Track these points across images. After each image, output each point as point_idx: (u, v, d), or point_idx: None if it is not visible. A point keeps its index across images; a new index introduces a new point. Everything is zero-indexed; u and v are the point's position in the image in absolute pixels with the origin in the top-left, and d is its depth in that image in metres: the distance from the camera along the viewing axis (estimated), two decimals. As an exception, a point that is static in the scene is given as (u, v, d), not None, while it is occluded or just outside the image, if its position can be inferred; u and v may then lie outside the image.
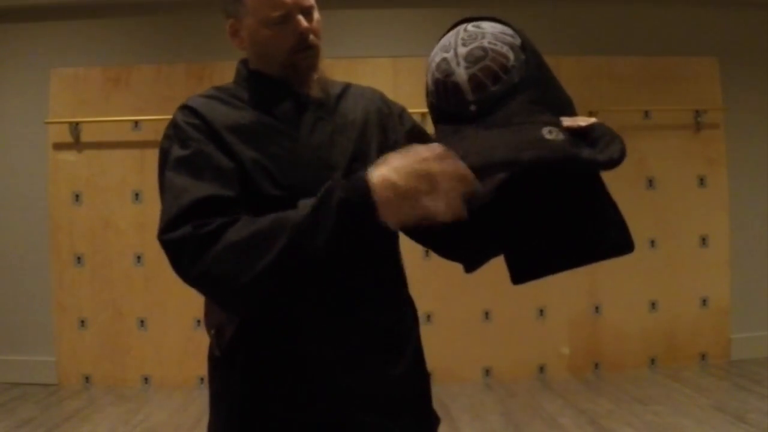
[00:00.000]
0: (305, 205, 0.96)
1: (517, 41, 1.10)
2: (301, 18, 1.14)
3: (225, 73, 4.23)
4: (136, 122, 4.07)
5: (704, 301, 4.24)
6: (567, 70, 4.14)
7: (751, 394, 3.56)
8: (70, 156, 4.11)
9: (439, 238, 1.18)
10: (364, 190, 0.90)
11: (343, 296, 1.09)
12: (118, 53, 4.15)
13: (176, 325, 4.07)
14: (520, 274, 1.17)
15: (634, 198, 4.18)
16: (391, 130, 1.26)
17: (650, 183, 4.22)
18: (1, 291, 4.16)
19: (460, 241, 1.18)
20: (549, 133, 0.98)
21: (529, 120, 1.01)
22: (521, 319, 4.08)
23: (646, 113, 4.22)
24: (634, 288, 4.18)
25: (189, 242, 0.99)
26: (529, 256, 1.16)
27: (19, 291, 4.13)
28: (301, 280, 0.95)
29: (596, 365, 4.17)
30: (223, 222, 0.98)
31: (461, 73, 1.06)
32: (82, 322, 4.10)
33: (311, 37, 1.17)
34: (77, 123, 4.06)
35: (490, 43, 1.07)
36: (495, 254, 1.19)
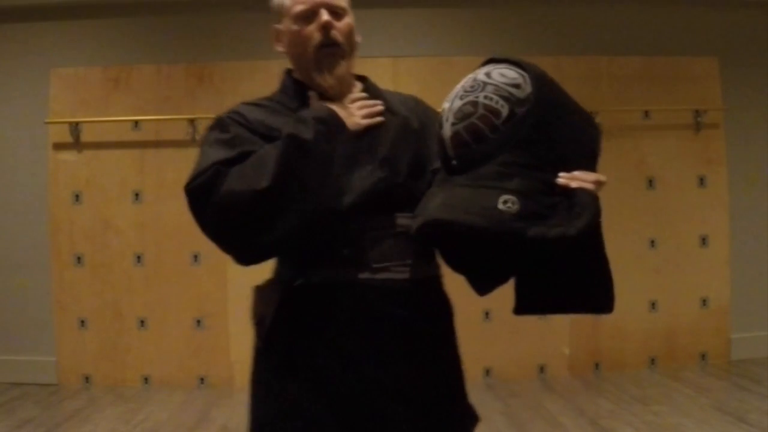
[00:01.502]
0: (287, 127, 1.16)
1: (524, 92, 1.10)
2: (323, 11, 1.22)
3: (225, 73, 4.27)
4: (136, 122, 4.07)
5: (704, 301, 4.24)
6: (567, 70, 4.14)
7: (751, 394, 3.56)
8: (70, 156, 4.11)
9: (465, 265, 1.25)
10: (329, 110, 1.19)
11: (377, 290, 1.18)
12: (118, 53, 4.15)
13: (176, 325, 4.07)
14: (521, 308, 1.24)
15: (634, 198, 4.18)
16: (430, 138, 1.28)
17: (650, 183, 4.21)
18: (1, 291, 4.16)
19: (480, 270, 1.24)
20: (504, 203, 1.03)
21: (495, 185, 1.05)
22: (521, 319, 4.05)
23: (646, 113, 4.21)
24: (634, 288, 4.17)
25: (207, 180, 1.11)
26: (532, 295, 1.22)
27: (19, 291, 4.13)
28: (302, 178, 1.10)
29: (596, 365, 4.16)
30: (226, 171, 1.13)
31: (447, 129, 1.12)
32: (82, 322, 4.10)
33: (333, 32, 1.23)
34: (77, 123, 4.05)
35: (486, 97, 1.09)
36: (503, 283, 1.24)
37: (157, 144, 4.09)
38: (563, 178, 1.07)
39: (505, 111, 1.08)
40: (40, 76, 4.11)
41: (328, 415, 1.17)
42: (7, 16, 4.13)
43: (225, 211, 1.11)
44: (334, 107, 1.22)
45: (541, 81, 1.13)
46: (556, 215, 1.05)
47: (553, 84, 1.15)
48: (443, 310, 1.32)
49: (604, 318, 4.15)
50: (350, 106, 1.24)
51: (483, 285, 1.24)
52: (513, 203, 1.03)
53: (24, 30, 4.16)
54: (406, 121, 1.30)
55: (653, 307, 4.21)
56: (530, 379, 4.04)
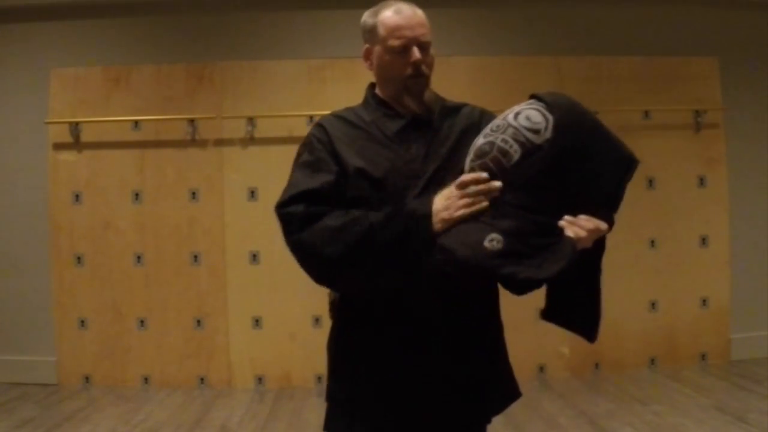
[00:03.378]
0: (383, 212, 1.29)
1: (541, 138, 1.20)
2: (416, 50, 1.39)
3: (225, 73, 4.27)
4: (136, 122, 4.07)
5: (704, 301, 4.24)
6: (567, 70, 4.15)
7: (751, 394, 3.56)
8: (70, 156, 4.11)
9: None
10: (427, 208, 1.26)
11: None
12: (118, 53, 4.15)
13: (176, 325, 4.07)
14: (545, 315, 1.39)
15: (634, 198, 4.17)
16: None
17: (650, 183, 4.22)
18: (1, 291, 4.16)
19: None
20: (490, 242, 1.17)
21: (490, 222, 1.19)
22: (521, 319, 4.07)
23: (646, 113, 4.21)
24: (634, 288, 4.17)
25: (299, 216, 1.33)
26: (552, 306, 1.37)
27: (19, 291, 4.13)
28: (368, 265, 1.28)
29: (596, 365, 4.16)
30: (326, 209, 1.32)
31: (467, 164, 1.28)
32: (82, 322, 4.10)
33: (423, 67, 1.41)
34: (77, 123, 4.06)
35: (503, 140, 1.22)
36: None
37: (157, 144, 4.09)
38: (565, 222, 1.19)
39: (516, 155, 1.19)
40: (40, 76, 4.12)
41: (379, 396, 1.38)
42: (7, 16, 4.13)
43: (302, 253, 1.33)
44: (437, 200, 1.27)
45: (563, 127, 1.21)
46: (539, 256, 1.17)
47: (578, 127, 1.23)
48: (482, 301, 1.46)
49: (604, 318, 4.14)
50: (454, 195, 1.25)
51: (517, 287, 1.38)
52: (498, 242, 1.17)
53: (24, 30, 4.16)
54: (462, 133, 1.43)
55: (653, 307, 4.21)
56: (530, 379, 4.04)
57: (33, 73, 4.13)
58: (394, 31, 1.38)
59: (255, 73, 4.11)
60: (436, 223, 1.25)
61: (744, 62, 4.29)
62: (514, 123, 1.21)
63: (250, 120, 4.03)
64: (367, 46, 1.46)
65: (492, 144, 1.22)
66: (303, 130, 4.00)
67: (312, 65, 4.09)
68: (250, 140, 4.06)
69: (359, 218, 1.29)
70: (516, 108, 1.25)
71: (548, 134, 1.19)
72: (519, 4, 4.20)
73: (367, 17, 1.45)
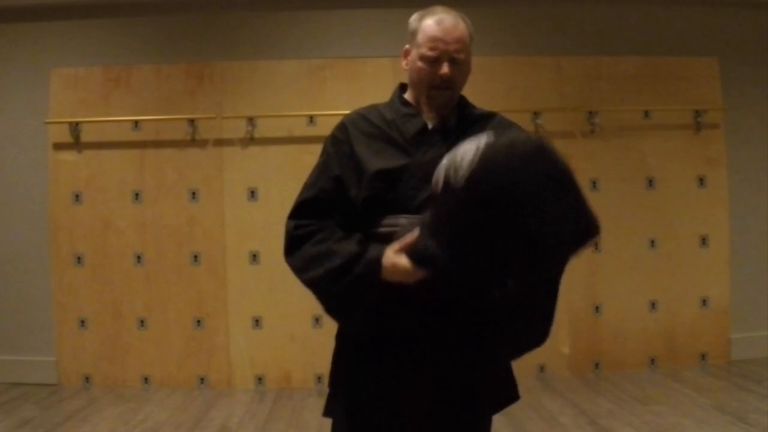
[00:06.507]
0: (349, 251, 1.37)
1: (456, 177, 1.15)
2: (446, 65, 1.40)
3: (225, 73, 4.26)
4: (136, 122, 4.07)
5: (704, 301, 4.24)
6: (567, 70, 4.15)
7: (751, 394, 3.56)
8: (70, 156, 4.11)
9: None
10: (377, 261, 1.33)
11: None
12: (118, 53, 4.15)
13: (176, 325, 4.07)
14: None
15: (634, 198, 4.18)
16: None
17: (650, 183, 4.21)
18: (1, 291, 4.16)
19: None
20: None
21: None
22: (521, 319, 4.07)
23: (646, 113, 4.21)
24: (634, 288, 4.17)
25: (289, 237, 1.46)
26: None
27: (19, 291, 4.13)
28: (332, 298, 1.41)
29: (596, 365, 4.17)
30: (312, 230, 1.42)
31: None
32: (82, 322, 4.10)
33: (449, 81, 1.42)
34: (77, 123, 4.06)
35: (444, 165, 1.22)
36: None
37: (157, 144, 4.09)
38: None
39: (439, 187, 1.20)
40: (40, 76, 4.11)
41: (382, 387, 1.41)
42: (7, 16, 4.13)
43: (293, 272, 1.46)
44: (391, 259, 1.32)
45: (475, 180, 1.13)
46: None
47: (502, 184, 1.13)
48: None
49: (604, 318, 4.17)
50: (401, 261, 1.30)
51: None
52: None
53: (24, 30, 4.16)
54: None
55: (653, 307, 4.21)
56: (530, 378, 4.04)
57: (33, 73, 4.13)
58: (429, 41, 1.40)
59: (255, 73, 4.11)
60: (388, 275, 1.32)
61: (744, 62, 4.29)
62: (457, 151, 1.19)
63: (250, 120, 4.03)
64: (407, 46, 1.49)
65: (439, 166, 1.23)
66: (303, 130, 4.00)
67: (312, 65, 4.09)
68: (250, 140, 4.06)
69: (330, 253, 1.38)
70: (483, 136, 1.19)
71: (461, 178, 1.14)
72: (519, 4, 4.19)
73: (413, 19, 1.50)
